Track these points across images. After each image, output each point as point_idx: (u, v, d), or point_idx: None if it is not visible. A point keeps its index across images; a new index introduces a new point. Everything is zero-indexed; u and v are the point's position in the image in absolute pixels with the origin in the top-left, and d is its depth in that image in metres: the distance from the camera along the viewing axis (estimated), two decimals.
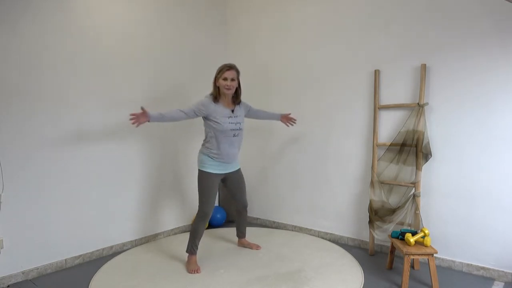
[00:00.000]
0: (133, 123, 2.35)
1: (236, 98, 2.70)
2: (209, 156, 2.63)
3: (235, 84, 2.62)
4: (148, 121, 2.41)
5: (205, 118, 2.61)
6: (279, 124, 3.62)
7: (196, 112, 2.55)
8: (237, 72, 2.65)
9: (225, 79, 2.57)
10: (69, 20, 2.70)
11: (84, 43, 2.79)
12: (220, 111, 2.58)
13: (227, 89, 2.58)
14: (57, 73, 2.65)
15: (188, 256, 2.64)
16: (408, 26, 2.74)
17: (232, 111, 2.66)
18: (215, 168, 2.63)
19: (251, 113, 2.90)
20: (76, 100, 2.75)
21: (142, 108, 2.38)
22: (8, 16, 2.40)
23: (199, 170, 2.66)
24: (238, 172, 2.83)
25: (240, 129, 2.68)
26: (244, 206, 2.95)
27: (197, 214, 2.64)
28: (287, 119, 3.08)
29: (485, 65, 2.42)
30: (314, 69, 3.32)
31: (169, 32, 3.43)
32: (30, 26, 2.50)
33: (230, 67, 2.60)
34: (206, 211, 2.61)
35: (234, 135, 2.64)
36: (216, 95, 2.61)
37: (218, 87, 2.61)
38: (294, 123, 3.11)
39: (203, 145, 2.69)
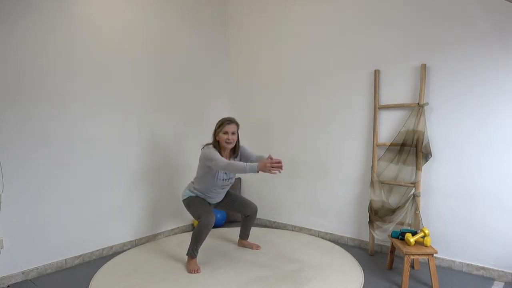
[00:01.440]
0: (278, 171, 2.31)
1: (234, 151, 2.73)
2: (194, 193, 2.73)
3: (235, 138, 2.66)
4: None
5: (208, 167, 2.60)
6: (279, 123, 3.62)
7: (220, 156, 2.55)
8: (237, 125, 2.68)
9: (226, 133, 2.60)
10: (68, 20, 2.70)
11: (84, 44, 2.79)
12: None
13: (227, 143, 2.62)
14: (57, 73, 2.65)
15: (188, 258, 2.64)
16: (408, 26, 2.74)
17: None
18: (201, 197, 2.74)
19: (246, 158, 2.79)
20: (76, 100, 2.75)
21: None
22: (8, 16, 2.40)
23: (183, 201, 2.74)
24: (227, 193, 2.89)
25: (230, 183, 2.75)
26: (255, 210, 2.93)
27: (199, 224, 2.57)
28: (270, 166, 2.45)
29: (485, 65, 2.42)
30: (314, 69, 3.32)
31: (169, 32, 3.43)
32: (30, 26, 2.50)
33: (230, 121, 2.64)
34: (207, 222, 2.53)
35: (222, 187, 2.72)
36: (219, 150, 2.63)
37: (218, 141, 2.65)
38: (279, 170, 2.37)
39: (192, 183, 2.78)
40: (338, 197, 3.22)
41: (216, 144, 2.66)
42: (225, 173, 2.65)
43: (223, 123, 2.63)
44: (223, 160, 2.49)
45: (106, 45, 2.93)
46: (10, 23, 2.41)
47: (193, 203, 2.69)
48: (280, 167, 2.31)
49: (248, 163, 2.44)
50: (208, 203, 2.76)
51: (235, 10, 3.96)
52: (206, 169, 2.62)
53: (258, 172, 2.37)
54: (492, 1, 2.37)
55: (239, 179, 4.01)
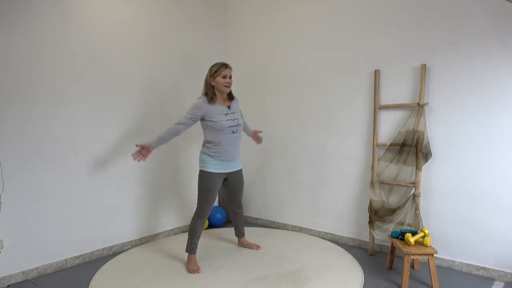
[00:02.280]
0: (138, 160, 2.49)
1: (230, 96, 2.72)
2: (210, 156, 2.62)
3: (232, 81, 2.66)
4: (153, 149, 2.51)
5: (202, 120, 2.61)
6: (279, 123, 3.62)
7: (193, 119, 2.56)
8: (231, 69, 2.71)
9: (225, 76, 2.60)
10: (68, 20, 2.70)
11: (84, 43, 2.79)
12: (217, 110, 2.58)
13: (227, 86, 2.61)
14: (57, 73, 2.64)
15: (188, 256, 2.64)
16: (408, 26, 2.74)
17: (229, 107, 2.67)
18: (217, 168, 2.63)
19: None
20: (75, 100, 2.75)
21: (137, 145, 2.48)
22: (8, 16, 2.40)
23: (200, 170, 2.66)
24: (239, 172, 2.83)
25: (238, 124, 2.67)
26: (239, 206, 2.96)
27: (195, 213, 2.64)
28: (256, 138, 3.11)
29: (485, 65, 2.42)
30: (314, 69, 3.32)
31: (169, 32, 3.43)
32: (30, 26, 2.50)
33: (227, 65, 2.64)
34: (205, 211, 2.62)
35: (233, 132, 2.63)
36: (212, 96, 2.60)
37: (213, 86, 2.62)
38: (261, 142, 3.16)
39: (203, 145, 2.69)
40: (338, 197, 3.22)
41: (211, 91, 2.61)
42: (227, 120, 2.59)
43: (219, 68, 2.60)
44: (181, 121, 2.54)
45: (106, 45, 2.93)
46: (10, 23, 2.41)
47: (207, 182, 2.60)
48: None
49: (161, 137, 2.53)
50: (221, 176, 2.66)
51: (235, 10, 3.96)
52: (204, 122, 2.60)
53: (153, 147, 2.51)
54: (492, 1, 2.37)
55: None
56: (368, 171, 3.00)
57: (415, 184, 2.65)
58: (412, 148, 2.66)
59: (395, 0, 2.80)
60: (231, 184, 2.81)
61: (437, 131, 2.63)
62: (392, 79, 2.84)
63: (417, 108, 2.64)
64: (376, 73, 2.89)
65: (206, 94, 2.63)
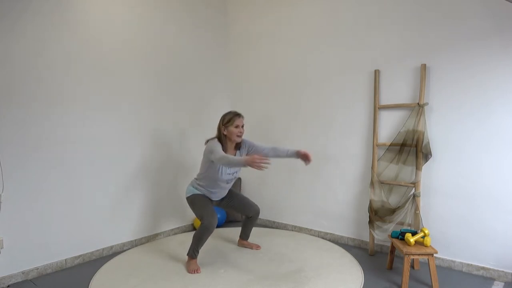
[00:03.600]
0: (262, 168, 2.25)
1: (237, 145, 2.72)
2: (198, 190, 2.72)
3: (243, 130, 2.67)
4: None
5: (211, 161, 2.58)
6: (279, 123, 3.62)
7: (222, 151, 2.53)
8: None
9: (237, 126, 2.61)
10: (68, 20, 2.70)
11: (84, 43, 2.79)
12: None
13: (239, 136, 2.63)
14: (57, 73, 2.65)
15: (188, 258, 2.64)
16: (408, 26, 2.74)
17: None
18: (204, 194, 2.73)
19: (256, 151, 2.72)
20: (75, 100, 2.75)
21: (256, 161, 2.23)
22: (8, 16, 2.40)
23: (187, 198, 2.73)
24: (229, 193, 2.87)
25: (234, 178, 2.74)
26: (257, 212, 2.90)
27: (200, 225, 2.56)
28: (305, 157, 2.59)
29: (485, 65, 2.42)
30: (314, 69, 3.32)
31: (169, 33, 3.43)
32: (30, 26, 2.50)
33: (239, 114, 2.66)
34: (210, 222, 2.52)
35: (227, 183, 2.71)
36: (222, 143, 2.61)
37: (225, 135, 2.63)
38: (310, 161, 2.60)
39: (195, 180, 2.76)
40: (338, 197, 3.22)
41: (223, 138, 2.64)
42: (228, 173, 2.65)
43: (233, 117, 2.62)
44: (220, 151, 2.47)
45: (106, 45, 2.93)
46: (10, 23, 2.41)
47: (196, 202, 2.67)
48: (267, 162, 2.23)
49: (235, 158, 2.35)
50: (211, 200, 2.75)
51: (236, 11, 3.96)
52: (210, 163, 2.61)
53: (245, 166, 2.28)
54: (492, 1, 2.37)
55: (239, 178, 4.01)
56: (368, 171, 3.00)
57: (415, 184, 2.65)
58: (412, 148, 2.66)
59: (395, 0, 2.80)
60: (230, 204, 2.86)
61: (437, 131, 2.63)
62: (392, 79, 2.84)
63: (417, 108, 2.64)
64: (376, 73, 2.89)
65: (219, 139, 2.63)
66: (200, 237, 2.55)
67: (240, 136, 2.64)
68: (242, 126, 2.65)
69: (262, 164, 2.22)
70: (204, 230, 2.52)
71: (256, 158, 2.22)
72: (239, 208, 2.89)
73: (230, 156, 2.40)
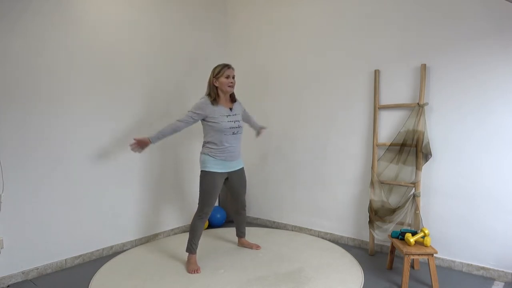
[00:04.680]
0: (135, 151, 2.52)
1: (232, 98, 2.74)
2: (210, 156, 2.63)
3: (235, 81, 2.67)
4: (151, 143, 2.51)
5: (203, 120, 2.62)
6: (279, 123, 3.62)
7: (194, 117, 2.57)
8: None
9: (228, 76, 2.61)
10: (69, 20, 2.70)
11: (84, 43, 2.79)
12: (219, 111, 2.60)
13: (230, 86, 2.63)
14: (57, 73, 2.65)
15: (188, 256, 2.64)
16: (408, 26, 2.74)
17: (231, 109, 2.68)
18: (218, 167, 2.63)
19: (244, 115, 2.92)
20: (75, 100, 2.75)
21: (135, 139, 2.50)
22: (8, 16, 2.40)
23: (201, 171, 2.66)
24: (241, 171, 2.83)
25: (239, 126, 2.68)
26: (243, 206, 2.95)
27: (196, 213, 2.64)
28: (258, 132, 3.10)
29: (485, 65, 2.42)
30: (314, 69, 3.32)
31: (169, 32, 3.43)
32: (30, 25, 2.50)
33: (229, 65, 2.65)
34: (206, 212, 2.63)
35: (233, 133, 2.65)
36: (215, 97, 2.62)
37: (216, 87, 2.63)
38: (259, 136, 3.15)
39: (203, 145, 2.69)
40: (338, 197, 3.22)
41: (214, 90, 2.62)
42: (229, 121, 2.60)
43: (222, 68, 2.61)
44: (182, 119, 2.57)
45: (106, 45, 2.93)
46: (10, 23, 2.41)
47: (206, 183, 2.61)
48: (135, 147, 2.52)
49: (160, 132, 2.54)
50: (222, 175, 2.66)
51: (235, 11, 3.96)
52: (205, 123, 2.61)
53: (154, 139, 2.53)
54: (492, 1, 2.37)
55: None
56: (368, 171, 3.00)
57: (415, 184, 2.65)
58: (412, 148, 2.66)
59: (395, 0, 2.80)
60: (234, 184, 2.81)
61: (437, 131, 2.63)
62: (392, 79, 2.84)
63: (417, 108, 2.64)
64: (376, 73, 2.89)
65: (209, 94, 2.64)
66: (195, 228, 2.61)
67: (231, 87, 2.64)
68: (233, 77, 2.65)
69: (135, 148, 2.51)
70: (198, 218, 2.62)
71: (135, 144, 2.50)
72: (234, 193, 2.86)
73: (171, 124, 2.56)
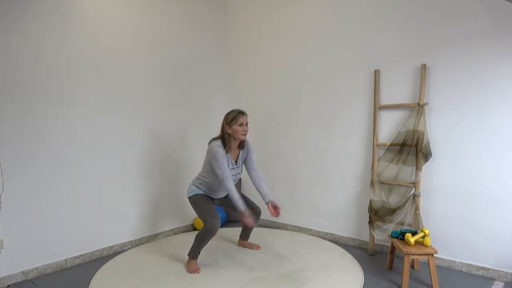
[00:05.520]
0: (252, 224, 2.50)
1: (240, 144, 2.71)
2: (199, 188, 2.71)
3: (248, 128, 2.66)
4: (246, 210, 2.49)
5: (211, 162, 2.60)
6: (280, 123, 3.63)
7: (225, 164, 2.54)
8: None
9: (242, 124, 2.59)
10: (69, 20, 2.70)
11: (84, 43, 2.79)
12: (227, 162, 2.59)
13: (243, 134, 2.61)
14: (57, 73, 2.65)
15: (188, 258, 2.63)
16: (408, 26, 2.74)
17: (236, 161, 2.69)
18: (203, 191, 2.72)
19: (248, 161, 2.77)
20: (76, 100, 2.75)
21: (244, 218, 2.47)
22: (8, 16, 2.40)
23: (189, 198, 2.71)
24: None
25: (237, 179, 2.74)
26: (258, 214, 2.83)
27: (203, 228, 2.54)
28: (273, 209, 2.67)
29: (485, 65, 2.42)
30: (314, 69, 3.32)
31: (169, 32, 3.43)
32: (30, 26, 2.50)
33: (243, 112, 2.64)
34: (213, 224, 2.49)
35: None
36: (228, 144, 2.60)
37: (229, 134, 2.60)
38: (277, 215, 2.68)
39: (197, 178, 2.74)
40: (338, 197, 3.22)
41: (227, 137, 2.60)
42: (233, 168, 2.62)
43: (237, 115, 2.59)
44: (227, 174, 2.49)
45: (106, 45, 2.93)
46: (10, 23, 2.41)
47: (199, 202, 2.65)
48: (253, 225, 2.51)
49: (240, 201, 2.47)
50: (212, 199, 2.75)
51: (236, 11, 3.96)
52: (212, 167, 2.60)
53: (236, 209, 2.53)
54: (492, 1, 2.37)
55: (239, 179, 4.01)
56: (368, 171, 3.00)
57: (415, 184, 2.65)
58: (412, 148, 2.66)
59: (395, 0, 2.80)
60: (232, 204, 2.68)
61: (437, 131, 2.63)
62: (392, 79, 2.84)
63: (417, 108, 2.64)
64: (376, 73, 2.89)
65: (222, 140, 2.60)
66: (202, 238, 2.53)
67: (245, 135, 2.62)
68: (247, 124, 2.63)
69: (250, 224, 2.48)
70: (207, 232, 2.50)
71: (250, 220, 2.46)
72: (233, 206, 2.84)
73: (232, 188, 2.49)
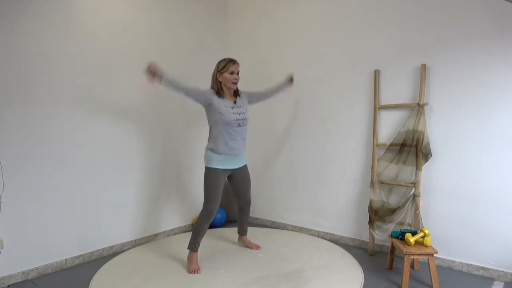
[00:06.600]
0: (147, 80, 2.36)
1: (236, 93, 2.70)
2: (214, 152, 2.60)
3: (239, 77, 2.65)
4: (161, 81, 2.38)
5: (208, 109, 2.59)
6: (279, 123, 3.62)
7: (205, 94, 2.55)
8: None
9: (232, 73, 2.58)
10: (68, 20, 2.70)
11: (84, 43, 2.79)
12: (224, 103, 2.58)
13: (234, 83, 2.60)
14: (57, 73, 2.65)
15: (189, 253, 2.63)
16: (408, 26, 2.74)
17: (235, 102, 2.66)
18: (222, 164, 2.61)
19: (256, 98, 2.87)
20: (75, 100, 2.75)
21: (150, 66, 2.33)
22: (8, 16, 2.40)
23: (206, 167, 2.64)
24: (244, 168, 2.82)
25: (244, 119, 2.65)
26: (248, 204, 2.94)
27: (201, 212, 2.61)
28: (291, 80, 3.10)
29: (485, 65, 2.42)
30: (314, 69, 3.32)
31: (169, 32, 3.43)
32: (30, 26, 2.50)
33: (234, 61, 2.62)
34: (211, 210, 2.59)
35: (238, 125, 2.61)
36: (218, 90, 2.60)
37: (220, 82, 2.60)
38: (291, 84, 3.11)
39: (208, 140, 2.68)
40: (338, 197, 3.22)
41: (218, 86, 2.60)
42: (234, 113, 2.57)
43: (227, 64, 2.58)
44: (191, 86, 2.55)
45: (106, 45, 2.93)
46: (10, 23, 2.41)
47: (210, 180, 2.59)
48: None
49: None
50: (226, 171, 2.66)
51: (236, 12, 3.96)
52: (210, 112, 2.58)
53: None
54: (492, 1, 2.37)
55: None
56: (368, 171, 3.00)
57: (415, 184, 2.65)
58: (412, 148, 2.66)
59: (395, 0, 2.80)
60: (237, 181, 2.80)
61: (437, 131, 2.63)
62: (392, 79, 2.84)
63: (417, 108, 2.64)
64: (376, 73, 2.89)
65: (213, 88, 2.63)
66: (199, 226, 2.58)
67: (235, 83, 2.61)
68: (238, 73, 2.62)
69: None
70: (204, 218, 2.57)
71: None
72: (238, 190, 2.85)
73: (180, 83, 2.49)
